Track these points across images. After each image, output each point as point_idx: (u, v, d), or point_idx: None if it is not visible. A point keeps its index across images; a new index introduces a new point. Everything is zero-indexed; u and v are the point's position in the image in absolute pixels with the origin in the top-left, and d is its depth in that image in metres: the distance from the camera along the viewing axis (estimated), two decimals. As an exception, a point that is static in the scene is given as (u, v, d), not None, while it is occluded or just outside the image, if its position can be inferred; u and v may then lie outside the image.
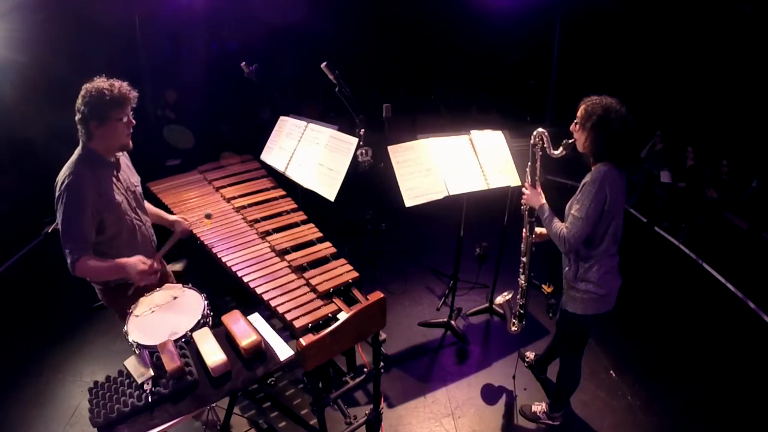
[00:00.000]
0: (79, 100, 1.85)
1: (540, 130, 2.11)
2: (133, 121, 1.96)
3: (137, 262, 1.94)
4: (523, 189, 2.25)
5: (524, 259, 2.36)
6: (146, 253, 2.13)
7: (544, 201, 2.15)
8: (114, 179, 2.04)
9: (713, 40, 5.78)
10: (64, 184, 1.87)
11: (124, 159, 2.17)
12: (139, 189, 2.24)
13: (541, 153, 2.16)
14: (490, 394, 2.82)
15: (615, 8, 6.34)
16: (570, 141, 2.02)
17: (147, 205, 2.44)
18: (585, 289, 2.06)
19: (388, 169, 2.65)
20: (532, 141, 2.14)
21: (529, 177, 2.22)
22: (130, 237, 2.10)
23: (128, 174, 2.17)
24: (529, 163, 2.20)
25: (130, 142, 2.01)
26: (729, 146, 5.33)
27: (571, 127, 2.02)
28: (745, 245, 4.69)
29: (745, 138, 5.47)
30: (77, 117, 1.87)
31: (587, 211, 1.90)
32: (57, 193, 1.90)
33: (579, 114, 1.97)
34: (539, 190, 2.20)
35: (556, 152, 2.07)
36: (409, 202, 2.56)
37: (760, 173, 4.96)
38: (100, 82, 1.85)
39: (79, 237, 1.90)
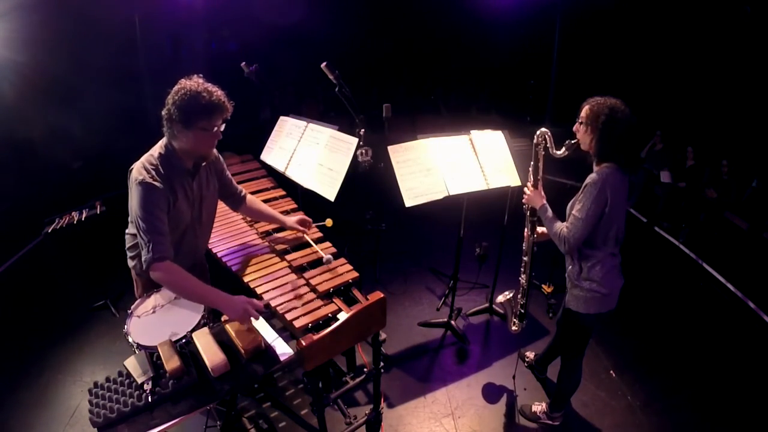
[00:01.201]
0: (171, 96, 1.73)
1: (543, 129, 2.10)
2: (220, 135, 1.84)
3: (244, 304, 1.76)
4: (525, 189, 2.24)
5: (526, 259, 2.37)
6: (183, 255, 2.03)
7: (545, 201, 2.15)
8: (187, 186, 1.94)
9: (713, 40, 5.78)
10: (140, 181, 1.76)
11: (206, 167, 2.05)
12: (213, 200, 2.15)
13: (543, 153, 2.15)
14: (490, 394, 2.82)
15: (615, 8, 6.34)
16: (573, 141, 2.01)
17: (261, 206, 2.38)
18: (588, 287, 2.07)
19: (388, 169, 2.65)
20: (535, 141, 2.14)
21: (531, 177, 2.22)
22: (175, 246, 1.94)
23: (205, 183, 2.05)
24: (532, 163, 2.20)
25: (212, 153, 1.94)
26: (729, 146, 5.33)
27: (575, 128, 2.02)
28: (745, 245, 4.69)
29: (745, 138, 5.46)
30: (164, 111, 1.75)
31: (587, 212, 1.91)
32: (131, 185, 1.80)
33: (584, 114, 1.96)
34: (541, 190, 2.20)
35: (558, 152, 2.06)
36: (409, 202, 2.56)
37: (760, 173, 4.96)
38: (197, 84, 1.72)
39: (159, 234, 1.77)
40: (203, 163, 2.00)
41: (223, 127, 1.85)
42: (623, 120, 1.86)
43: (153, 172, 1.80)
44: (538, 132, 2.12)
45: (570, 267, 2.14)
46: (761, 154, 5.14)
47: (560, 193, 2.70)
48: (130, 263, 2.19)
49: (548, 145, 2.10)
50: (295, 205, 2.86)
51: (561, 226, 2.02)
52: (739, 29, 5.46)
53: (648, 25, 6.35)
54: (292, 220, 2.36)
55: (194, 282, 1.81)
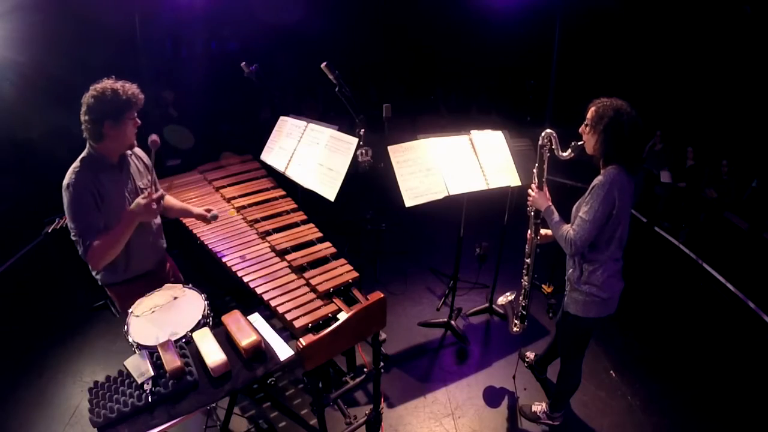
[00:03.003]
0: (91, 101, 1.84)
1: (548, 131, 2.07)
2: (139, 122, 2.00)
3: (139, 201, 1.94)
4: (530, 190, 2.22)
5: (528, 261, 2.35)
6: (145, 255, 2.19)
7: (550, 203, 2.13)
8: (118, 180, 2.04)
9: (713, 40, 5.78)
10: (67, 185, 1.90)
11: (135, 160, 2.16)
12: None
13: (548, 154, 2.13)
14: (490, 394, 2.82)
15: (615, 8, 6.34)
16: (579, 143, 1.99)
17: (173, 201, 2.48)
18: (588, 291, 2.05)
19: (388, 169, 2.65)
20: (540, 142, 2.11)
21: (535, 178, 2.19)
22: (131, 249, 2.08)
23: (138, 176, 2.15)
24: (536, 164, 2.17)
25: (135, 142, 2.05)
26: (729, 146, 5.32)
27: (581, 129, 1.99)
28: (745, 245, 4.69)
29: (745, 138, 5.46)
30: (87, 117, 1.86)
31: (595, 214, 1.88)
32: (63, 193, 1.92)
33: (589, 116, 1.94)
34: (546, 191, 2.18)
35: (564, 154, 2.04)
36: (409, 202, 2.55)
37: (760, 173, 4.96)
38: (112, 83, 1.86)
39: (89, 227, 1.91)
40: (131, 153, 2.12)
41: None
42: (628, 122, 1.84)
43: (75, 175, 1.90)
44: (543, 133, 2.09)
45: (571, 270, 2.12)
46: (761, 154, 5.14)
47: (561, 193, 2.70)
48: (95, 275, 2.21)
49: (553, 147, 2.07)
50: (295, 205, 2.86)
51: (567, 229, 2.00)
52: (739, 29, 5.46)
53: (648, 25, 6.35)
54: (197, 210, 2.44)
55: (114, 231, 1.94)
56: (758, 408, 2.76)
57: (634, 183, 1.95)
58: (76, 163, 1.95)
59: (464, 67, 8.36)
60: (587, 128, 1.96)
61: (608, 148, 1.90)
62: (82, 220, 1.91)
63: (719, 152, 5.14)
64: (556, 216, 2.08)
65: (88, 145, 1.97)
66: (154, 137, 1.95)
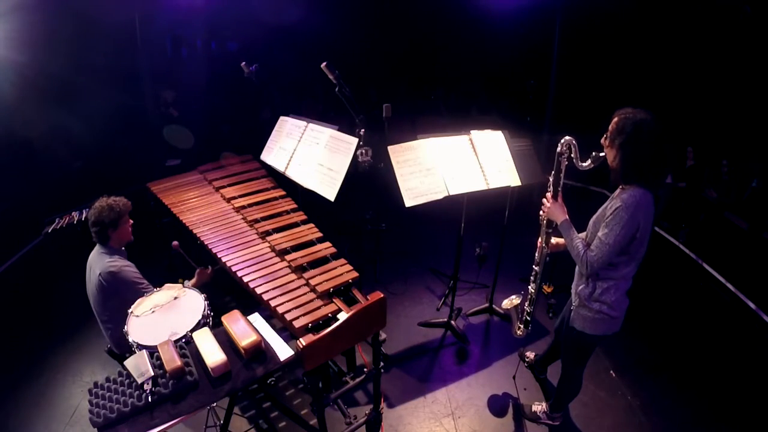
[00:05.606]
0: (93, 217, 2.33)
1: (568, 138, 1.97)
2: (131, 221, 2.45)
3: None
4: (544, 200, 2.14)
5: (536, 268, 2.32)
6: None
7: (566, 216, 2.04)
8: None
9: (713, 40, 5.78)
10: (121, 271, 2.26)
11: None
12: None
13: (566, 163, 2.03)
14: (490, 395, 2.82)
15: (614, 8, 6.34)
16: (601, 154, 1.89)
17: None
18: (598, 309, 2.01)
19: (388, 169, 2.65)
20: (558, 149, 2.01)
21: (551, 188, 2.09)
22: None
23: None
24: (553, 173, 2.07)
25: (132, 237, 2.48)
26: (729, 146, 5.32)
27: (602, 140, 1.90)
28: (745, 245, 4.69)
29: (745, 138, 5.46)
30: (95, 228, 2.33)
31: (616, 237, 1.79)
32: (113, 279, 2.23)
33: (610, 127, 1.82)
34: (561, 202, 2.08)
35: (584, 164, 1.93)
36: (409, 202, 2.55)
37: (760, 173, 4.96)
38: (106, 200, 2.36)
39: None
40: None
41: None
42: (648, 140, 1.72)
43: (119, 261, 2.30)
44: (562, 140, 1.99)
45: (582, 286, 2.05)
46: (761, 154, 5.14)
47: (561, 193, 2.69)
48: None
49: (572, 156, 1.97)
50: (295, 205, 2.87)
51: (585, 249, 1.91)
52: (739, 29, 5.45)
53: (647, 25, 6.34)
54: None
55: None
56: (758, 408, 2.76)
57: (653, 198, 1.83)
58: (107, 257, 2.31)
59: (464, 67, 8.36)
60: (607, 141, 1.85)
61: (626, 166, 1.79)
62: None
63: (719, 152, 5.14)
64: (573, 232, 1.99)
65: (100, 246, 2.37)
66: (175, 243, 2.51)
